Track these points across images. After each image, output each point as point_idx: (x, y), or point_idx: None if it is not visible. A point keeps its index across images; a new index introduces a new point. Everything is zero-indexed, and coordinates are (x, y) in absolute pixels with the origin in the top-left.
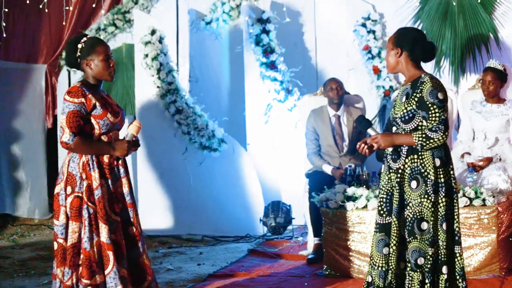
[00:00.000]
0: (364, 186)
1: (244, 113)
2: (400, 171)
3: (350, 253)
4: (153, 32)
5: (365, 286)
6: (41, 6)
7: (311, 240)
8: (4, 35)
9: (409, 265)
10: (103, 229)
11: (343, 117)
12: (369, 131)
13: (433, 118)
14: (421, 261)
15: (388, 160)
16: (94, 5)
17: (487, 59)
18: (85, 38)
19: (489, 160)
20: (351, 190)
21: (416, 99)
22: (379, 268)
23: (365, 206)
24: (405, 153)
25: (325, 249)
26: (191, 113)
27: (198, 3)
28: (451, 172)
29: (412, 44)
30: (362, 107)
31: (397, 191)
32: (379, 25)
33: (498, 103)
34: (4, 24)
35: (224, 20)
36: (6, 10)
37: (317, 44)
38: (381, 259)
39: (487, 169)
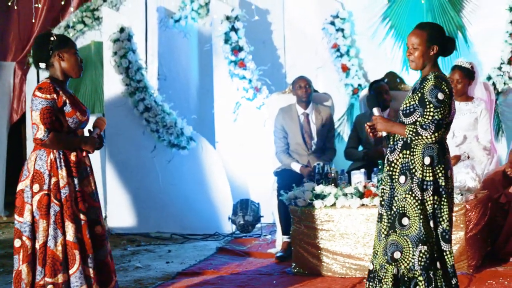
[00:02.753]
0: (333, 184)
1: (213, 111)
2: (393, 164)
3: (319, 251)
4: (122, 30)
5: (367, 273)
6: (9, 3)
7: (280, 238)
8: None
9: (385, 257)
10: (70, 228)
11: (311, 115)
12: (374, 109)
13: (427, 116)
14: (397, 255)
15: (387, 151)
16: (63, 2)
17: (456, 57)
18: (54, 34)
19: (457, 158)
20: (319, 188)
21: (419, 94)
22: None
23: (334, 204)
24: (400, 147)
25: (294, 247)
26: (160, 111)
27: (167, 1)
28: (442, 172)
29: (445, 40)
30: (331, 105)
31: (388, 183)
32: (348, 23)
33: (466, 101)
34: None
35: (193, 18)
36: None
37: (286, 42)
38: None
39: (456, 167)
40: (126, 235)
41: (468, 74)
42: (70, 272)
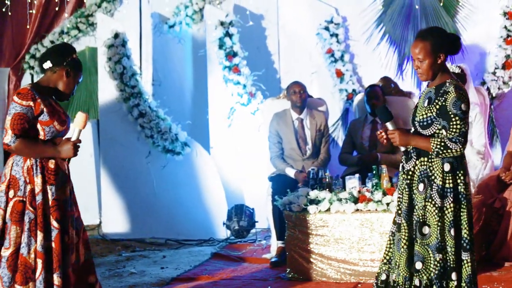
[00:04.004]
0: (327, 189)
1: (207, 116)
2: (410, 172)
3: (313, 256)
4: (116, 36)
5: (377, 283)
6: (4, 10)
7: (274, 244)
8: None
9: (410, 269)
10: (39, 236)
11: (306, 121)
12: (388, 124)
13: (454, 130)
14: (419, 265)
15: (402, 160)
16: (57, 8)
17: (450, 62)
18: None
19: None
20: (314, 194)
21: (438, 106)
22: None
23: (328, 209)
24: (415, 155)
25: (288, 252)
26: (154, 117)
27: (161, 6)
28: (462, 178)
29: (448, 42)
30: (325, 111)
31: (407, 193)
32: (342, 29)
33: None
34: None
35: (187, 24)
36: None
37: (280, 47)
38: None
39: None
40: (121, 241)
41: (459, 78)
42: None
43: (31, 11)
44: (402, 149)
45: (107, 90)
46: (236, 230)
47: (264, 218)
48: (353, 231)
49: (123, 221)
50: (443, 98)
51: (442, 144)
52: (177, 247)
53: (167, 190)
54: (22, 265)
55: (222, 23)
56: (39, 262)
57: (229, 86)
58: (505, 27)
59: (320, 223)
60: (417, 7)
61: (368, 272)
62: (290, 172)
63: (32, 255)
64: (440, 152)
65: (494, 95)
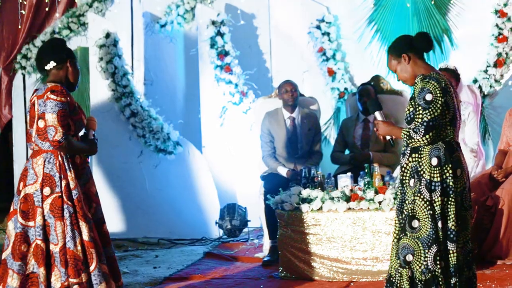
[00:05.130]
0: (319, 188)
1: (199, 115)
2: (403, 168)
3: (306, 255)
4: (107, 35)
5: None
6: None
7: (267, 243)
8: None
9: (398, 261)
10: (84, 228)
11: (298, 119)
12: (376, 114)
13: (417, 119)
14: (409, 258)
15: (400, 156)
16: (47, 9)
17: (442, 60)
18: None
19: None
20: (306, 192)
21: (413, 100)
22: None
23: (320, 208)
24: (409, 151)
25: (281, 251)
26: (146, 116)
27: (152, 6)
28: (450, 172)
29: (410, 42)
30: (317, 109)
31: (400, 188)
32: (334, 27)
33: None
34: None
35: (179, 23)
36: None
37: (272, 46)
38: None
39: None
40: (113, 240)
41: (454, 75)
42: (90, 270)
43: (22, 12)
44: (388, 138)
45: (98, 89)
46: (228, 229)
47: (257, 217)
48: (345, 229)
49: (115, 221)
50: (414, 91)
51: (407, 134)
52: (170, 246)
53: (159, 189)
54: (71, 258)
55: (213, 22)
56: (93, 252)
57: (221, 85)
58: (497, 25)
59: (313, 221)
60: (408, 5)
61: (361, 270)
62: (282, 171)
63: (79, 247)
64: (408, 142)
65: (486, 93)
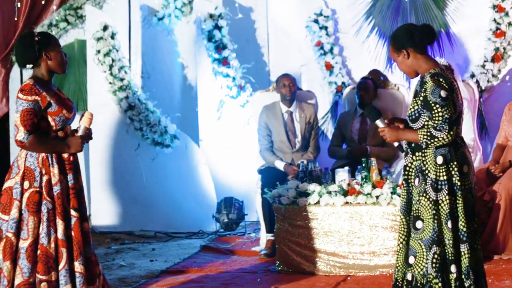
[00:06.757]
0: (317, 182)
1: (197, 109)
2: (407, 168)
3: (303, 249)
4: (105, 28)
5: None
6: None
7: (264, 236)
8: None
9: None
10: (60, 225)
11: (295, 113)
12: (377, 122)
13: (437, 118)
14: (411, 260)
15: (403, 155)
16: (43, 2)
17: (439, 55)
18: (36, 32)
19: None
20: (303, 186)
21: (421, 98)
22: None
23: (318, 202)
24: (412, 150)
25: (278, 245)
26: (144, 109)
27: None
28: (456, 170)
29: (411, 37)
30: (315, 103)
31: (404, 188)
32: (332, 21)
33: None
34: None
35: (177, 16)
36: None
37: (270, 40)
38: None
39: None
40: (110, 233)
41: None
42: (59, 269)
43: (19, 4)
44: (396, 144)
45: (96, 82)
46: (225, 222)
47: (254, 211)
48: (342, 224)
49: (112, 214)
50: (423, 89)
51: (428, 134)
52: (167, 239)
53: (156, 182)
54: (43, 255)
55: (211, 16)
56: (63, 251)
57: (218, 79)
58: (495, 20)
59: (310, 216)
60: (406, 0)
61: (358, 265)
62: (280, 165)
63: (53, 245)
64: (428, 142)
65: (483, 88)
